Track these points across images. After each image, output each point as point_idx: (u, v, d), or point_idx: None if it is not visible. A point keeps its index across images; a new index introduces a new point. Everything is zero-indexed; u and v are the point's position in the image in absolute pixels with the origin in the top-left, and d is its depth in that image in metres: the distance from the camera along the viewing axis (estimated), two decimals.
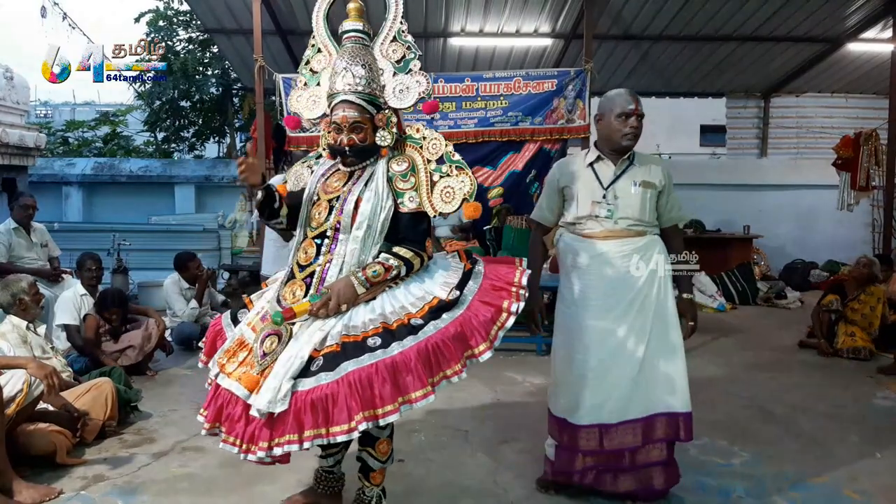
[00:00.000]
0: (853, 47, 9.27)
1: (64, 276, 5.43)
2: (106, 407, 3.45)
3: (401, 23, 2.38)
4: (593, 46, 7.32)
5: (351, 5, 2.37)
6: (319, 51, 2.47)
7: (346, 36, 2.36)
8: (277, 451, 2.00)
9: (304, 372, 2.05)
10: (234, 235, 8.88)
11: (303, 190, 2.44)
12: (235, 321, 2.40)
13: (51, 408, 3.21)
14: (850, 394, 4.38)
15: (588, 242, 2.65)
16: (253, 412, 2.04)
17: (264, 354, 2.14)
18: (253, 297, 2.48)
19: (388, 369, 1.99)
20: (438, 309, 2.15)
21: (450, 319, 2.12)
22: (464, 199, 2.30)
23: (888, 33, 8.28)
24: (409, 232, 2.29)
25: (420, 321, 2.12)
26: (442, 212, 2.31)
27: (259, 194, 2.28)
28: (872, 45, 9.07)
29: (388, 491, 2.54)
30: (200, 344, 2.50)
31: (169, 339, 5.22)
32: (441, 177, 2.32)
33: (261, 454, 2.02)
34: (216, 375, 2.22)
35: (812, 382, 4.65)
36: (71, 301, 4.65)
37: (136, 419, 3.75)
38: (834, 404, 4.12)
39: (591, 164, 2.69)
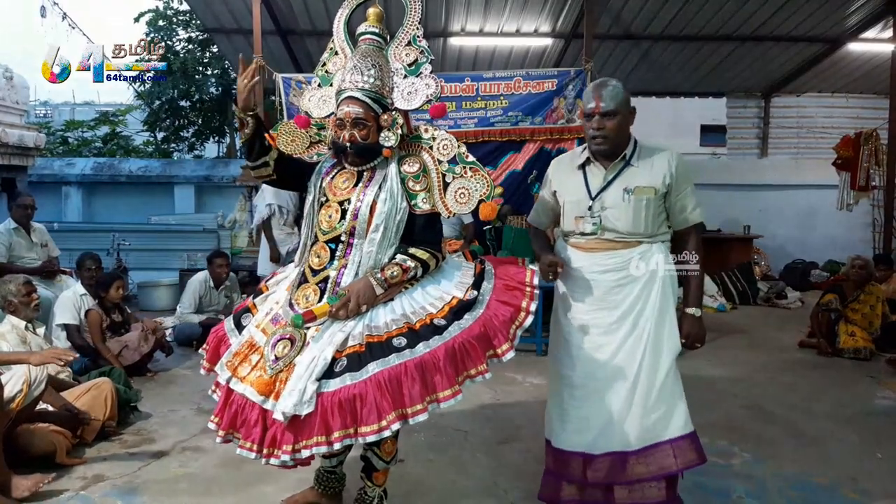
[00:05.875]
0: (853, 47, 9.28)
1: (63, 275, 5.43)
2: (106, 407, 3.44)
3: (417, 28, 2.38)
4: (593, 46, 7.32)
5: (371, 10, 2.38)
6: (336, 53, 2.47)
7: (361, 38, 2.36)
8: (304, 454, 1.99)
9: (328, 373, 2.05)
10: (233, 235, 8.87)
11: (298, 161, 2.43)
12: (239, 326, 2.37)
13: (51, 408, 3.21)
14: (850, 394, 4.38)
15: (574, 252, 2.44)
16: (277, 416, 2.02)
17: (276, 359, 2.12)
18: (257, 300, 2.46)
19: (417, 369, 2.01)
20: (459, 309, 2.17)
21: (472, 319, 2.14)
22: (480, 201, 2.29)
23: (888, 33, 8.29)
24: (424, 233, 2.29)
25: (443, 321, 2.13)
26: (456, 213, 2.31)
27: (250, 122, 2.24)
28: (872, 45, 9.08)
29: (389, 491, 2.53)
30: (201, 350, 2.47)
31: (169, 339, 5.22)
32: (454, 177, 2.31)
33: (285, 458, 2.01)
34: (228, 380, 2.19)
35: (812, 382, 4.64)
36: (71, 301, 4.65)
37: (136, 419, 3.74)
38: (834, 404, 4.12)
39: (582, 166, 2.43)
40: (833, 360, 5.25)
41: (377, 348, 2.07)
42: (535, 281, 2.29)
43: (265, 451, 2.05)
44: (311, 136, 2.51)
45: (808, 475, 3.03)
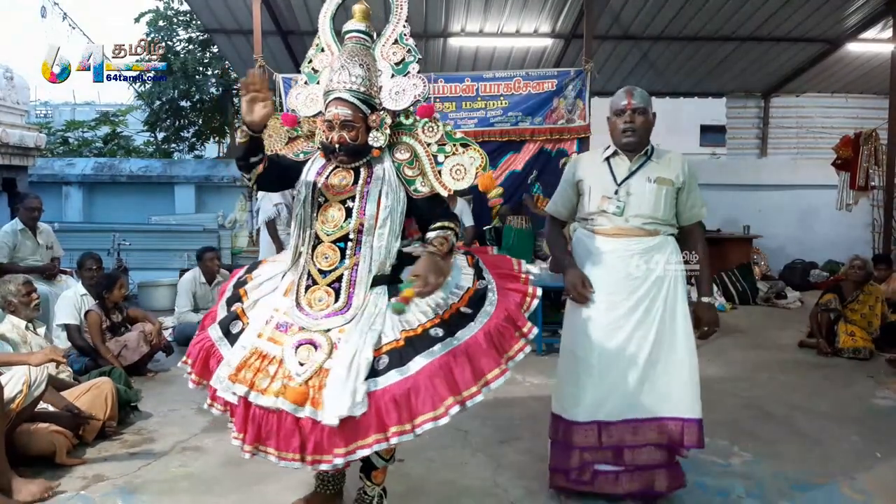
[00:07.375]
0: (853, 47, 9.28)
1: (63, 275, 5.44)
2: (106, 407, 3.44)
3: (404, 26, 2.37)
4: (593, 46, 7.32)
5: (356, 7, 2.36)
6: (322, 50, 2.46)
7: (348, 36, 2.35)
8: (361, 454, 1.99)
9: (372, 372, 2.04)
10: (234, 235, 8.89)
11: (280, 161, 2.38)
12: (228, 335, 2.27)
13: (51, 408, 3.21)
14: (850, 394, 4.39)
15: (597, 239, 2.62)
16: (330, 421, 1.97)
17: (302, 365, 2.08)
18: (245, 306, 2.35)
19: (464, 354, 2.04)
20: (478, 298, 2.20)
21: (493, 305, 2.18)
22: (477, 174, 2.29)
23: (888, 33, 8.29)
24: (433, 210, 2.29)
25: (468, 310, 2.16)
26: (455, 189, 2.31)
27: (247, 133, 2.13)
28: (872, 45, 9.08)
29: (389, 490, 2.54)
30: (181, 364, 2.40)
31: (170, 339, 5.22)
32: (446, 157, 2.32)
33: (338, 461, 1.99)
34: (245, 394, 2.10)
35: (812, 382, 4.65)
36: (71, 301, 4.65)
37: (136, 419, 3.75)
38: (834, 404, 4.12)
39: (607, 159, 2.65)
40: (832, 359, 5.25)
41: (417, 341, 2.07)
42: (524, 268, 2.37)
43: (309, 458, 2.02)
44: (288, 133, 2.50)
45: (808, 475, 3.03)
